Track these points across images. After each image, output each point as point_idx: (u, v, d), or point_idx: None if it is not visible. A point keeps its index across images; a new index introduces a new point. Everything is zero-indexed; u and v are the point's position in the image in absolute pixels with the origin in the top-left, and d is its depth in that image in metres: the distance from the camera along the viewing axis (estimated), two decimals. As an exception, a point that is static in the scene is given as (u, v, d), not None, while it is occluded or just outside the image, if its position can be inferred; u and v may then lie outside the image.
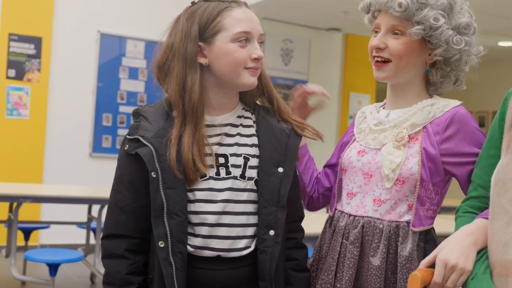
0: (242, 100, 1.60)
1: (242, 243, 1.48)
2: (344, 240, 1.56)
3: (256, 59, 1.51)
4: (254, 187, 1.50)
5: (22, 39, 5.90)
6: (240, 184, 1.49)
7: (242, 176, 1.50)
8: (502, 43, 7.63)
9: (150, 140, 1.44)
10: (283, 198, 1.50)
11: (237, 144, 1.52)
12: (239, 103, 1.59)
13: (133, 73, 6.44)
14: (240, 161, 1.51)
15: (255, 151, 1.53)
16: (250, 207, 1.49)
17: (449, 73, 1.59)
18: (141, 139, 1.45)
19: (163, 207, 1.41)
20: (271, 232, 1.48)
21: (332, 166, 1.75)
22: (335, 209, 1.65)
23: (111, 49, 6.35)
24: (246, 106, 1.60)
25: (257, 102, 1.63)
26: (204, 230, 1.45)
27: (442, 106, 1.55)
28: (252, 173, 1.50)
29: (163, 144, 1.44)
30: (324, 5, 6.22)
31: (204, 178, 1.46)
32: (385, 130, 1.58)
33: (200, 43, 1.49)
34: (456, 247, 1.28)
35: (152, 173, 1.42)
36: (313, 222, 3.70)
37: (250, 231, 1.49)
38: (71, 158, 6.14)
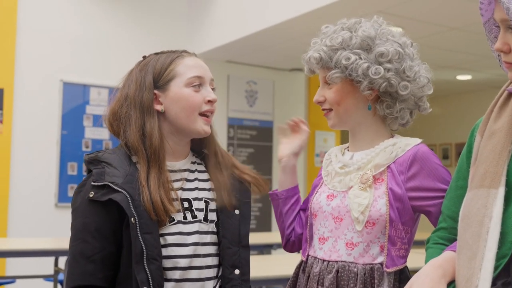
0: (191, 148, 1.67)
1: (210, 284, 1.52)
2: (319, 286, 1.55)
3: (210, 102, 1.58)
4: (215, 229, 1.57)
5: (-17, 90, 5.82)
6: (204, 227, 1.55)
7: (205, 219, 1.56)
8: (460, 77, 7.83)
9: (122, 186, 1.45)
10: (244, 238, 1.59)
11: (197, 188, 1.59)
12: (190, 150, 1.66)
13: (98, 121, 6.38)
14: (202, 204, 1.57)
15: (213, 194, 1.60)
16: (213, 249, 1.55)
17: (394, 102, 1.60)
18: (111, 185, 1.44)
19: (143, 252, 1.41)
20: (237, 271, 1.55)
21: (304, 210, 1.76)
22: (308, 254, 1.64)
23: (75, 97, 6.30)
24: (195, 153, 1.68)
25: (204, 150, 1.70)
26: (177, 274, 1.47)
27: (404, 145, 1.58)
28: (212, 216, 1.58)
29: (134, 190, 1.45)
30: (286, 47, 6.33)
31: (173, 223, 1.49)
32: (350, 172, 1.60)
33: (155, 91, 1.56)
34: (425, 281, 1.29)
35: (132, 218, 1.42)
36: (285, 264, 3.68)
37: (214, 272, 1.54)
38: (36, 210, 6.01)
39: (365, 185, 1.54)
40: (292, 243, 1.77)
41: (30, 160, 6.03)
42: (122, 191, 1.44)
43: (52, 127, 6.17)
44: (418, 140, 1.60)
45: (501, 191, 1.25)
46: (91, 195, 1.45)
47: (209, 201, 1.59)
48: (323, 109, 1.66)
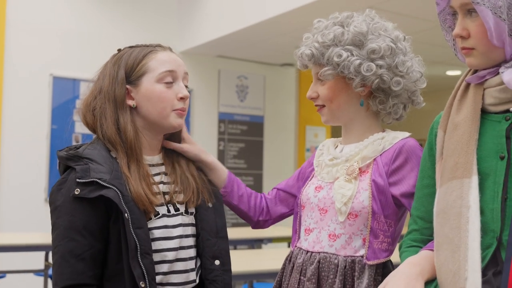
0: None
1: (193, 275, 1.55)
2: (301, 277, 1.57)
3: (182, 99, 1.57)
4: (194, 221, 1.58)
5: (-28, 84, 5.78)
6: (186, 219, 1.56)
7: (186, 211, 1.57)
8: (450, 72, 7.87)
9: (110, 182, 1.44)
10: (221, 230, 1.61)
11: (175, 182, 1.59)
12: None
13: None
14: (181, 197, 1.58)
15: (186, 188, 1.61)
16: (192, 241, 1.57)
17: (387, 98, 1.60)
18: (99, 181, 1.43)
19: (136, 247, 1.41)
20: (217, 262, 1.57)
21: (289, 194, 1.76)
22: (296, 246, 1.66)
23: (65, 92, 6.28)
24: None
25: None
26: (165, 267, 1.49)
27: (391, 138, 1.58)
28: (192, 208, 1.59)
29: (122, 185, 1.45)
30: (277, 41, 6.32)
31: (158, 216, 1.50)
32: (337, 164, 1.61)
33: (128, 86, 1.55)
34: (401, 278, 1.26)
35: (126, 214, 1.41)
36: (275, 258, 3.69)
37: (194, 263, 1.57)
38: (26, 204, 5.98)
39: (350, 177, 1.55)
40: (264, 223, 1.80)
41: (20, 155, 6.00)
42: (112, 187, 1.43)
43: (42, 122, 6.14)
44: (406, 134, 1.60)
45: (474, 180, 1.24)
46: (76, 192, 1.42)
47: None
48: (316, 105, 1.66)
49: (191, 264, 1.55)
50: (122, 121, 1.52)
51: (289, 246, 1.78)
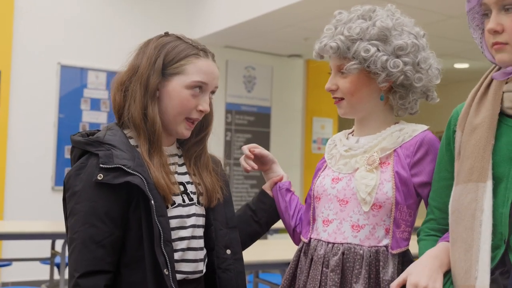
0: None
1: (202, 265, 1.57)
2: (324, 268, 1.56)
3: (201, 111, 1.56)
4: (204, 212, 1.60)
5: (-20, 72, 5.81)
6: (198, 209, 1.58)
7: (198, 202, 1.59)
8: (458, 65, 7.84)
9: (135, 169, 1.43)
10: (230, 220, 1.64)
11: (188, 173, 1.61)
12: None
13: (95, 104, 6.38)
14: (194, 188, 1.59)
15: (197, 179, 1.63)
16: (202, 231, 1.59)
17: (408, 94, 1.61)
18: (124, 168, 1.42)
19: (160, 235, 1.42)
20: (228, 251, 1.60)
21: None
22: (310, 237, 1.65)
23: (72, 81, 6.29)
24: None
25: None
26: (176, 256, 1.50)
27: (411, 131, 1.60)
28: (202, 199, 1.60)
29: (146, 173, 1.45)
30: (285, 32, 6.31)
31: (174, 206, 1.51)
32: (356, 155, 1.61)
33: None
34: (424, 270, 1.36)
35: (151, 201, 1.42)
36: (281, 249, 3.70)
37: (203, 254, 1.59)
38: (33, 192, 6.02)
39: (371, 167, 1.56)
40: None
41: (27, 143, 6.03)
42: (137, 174, 1.42)
43: (49, 110, 6.16)
44: (425, 127, 1.62)
45: (489, 185, 1.31)
46: (99, 178, 1.41)
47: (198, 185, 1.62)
48: (334, 97, 1.65)
49: (200, 255, 1.56)
50: (151, 111, 1.51)
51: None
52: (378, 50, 1.55)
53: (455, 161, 1.42)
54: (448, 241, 1.41)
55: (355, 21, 1.59)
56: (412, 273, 1.37)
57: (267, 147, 7.45)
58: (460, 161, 1.38)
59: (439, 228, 1.50)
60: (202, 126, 1.64)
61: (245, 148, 1.80)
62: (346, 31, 1.58)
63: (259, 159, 1.83)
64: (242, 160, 1.80)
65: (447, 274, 1.37)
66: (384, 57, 1.54)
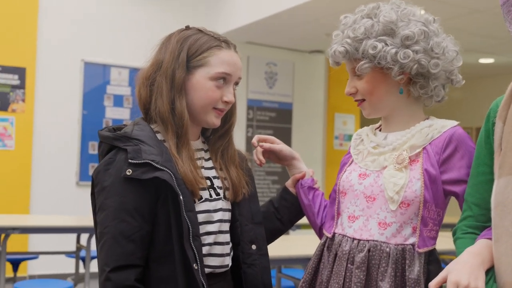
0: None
1: (228, 260, 1.58)
2: (349, 265, 1.55)
3: (226, 102, 1.57)
4: (230, 207, 1.61)
5: (6, 70, 5.90)
6: (224, 204, 1.59)
7: (224, 197, 1.59)
8: (482, 60, 7.74)
9: (163, 164, 1.43)
10: (255, 215, 1.65)
11: (214, 167, 1.61)
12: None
13: (118, 101, 6.44)
14: (220, 183, 1.60)
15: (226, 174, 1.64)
16: (228, 226, 1.60)
17: (428, 82, 1.59)
18: (153, 163, 1.42)
19: (189, 230, 1.43)
20: (253, 247, 1.61)
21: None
22: (334, 232, 1.64)
23: (95, 77, 6.36)
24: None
25: None
26: (204, 250, 1.51)
27: (440, 127, 1.57)
28: (228, 194, 1.61)
29: (174, 168, 1.45)
30: (306, 28, 6.29)
31: (201, 200, 1.52)
32: (384, 152, 1.60)
33: None
34: (465, 268, 1.28)
35: (180, 197, 1.42)
36: (303, 244, 3.71)
37: (229, 248, 1.60)
38: (58, 188, 6.11)
39: (400, 166, 1.54)
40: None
41: (52, 139, 6.11)
42: (166, 169, 1.42)
43: (73, 107, 6.24)
44: (455, 122, 1.59)
45: None
46: (128, 173, 1.41)
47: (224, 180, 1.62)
48: (356, 100, 1.65)
49: (227, 249, 1.57)
50: (179, 106, 1.51)
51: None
52: (386, 44, 1.54)
53: (495, 153, 1.36)
54: (488, 238, 1.34)
55: (359, 22, 1.59)
56: (452, 271, 1.29)
57: (288, 143, 7.45)
58: (503, 153, 1.32)
59: (477, 226, 1.42)
60: (226, 117, 1.64)
61: (254, 140, 1.79)
62: (352, 33, 1.58)
63: (275, 154, 1.82)
64: (254, 152, 1.80)
65: (489, 272, 1.30)
66: (393, 50, 1.53)
